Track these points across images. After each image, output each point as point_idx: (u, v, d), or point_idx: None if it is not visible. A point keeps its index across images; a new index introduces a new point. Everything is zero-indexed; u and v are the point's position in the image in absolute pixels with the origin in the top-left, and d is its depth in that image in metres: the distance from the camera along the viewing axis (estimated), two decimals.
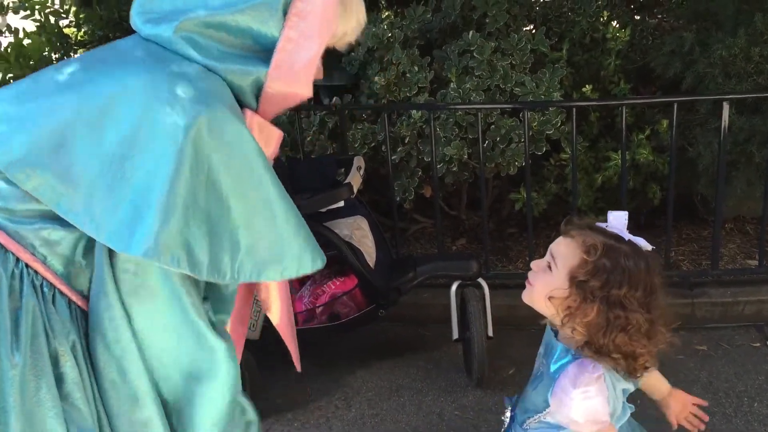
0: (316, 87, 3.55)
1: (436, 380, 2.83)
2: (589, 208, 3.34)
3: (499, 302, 2.90)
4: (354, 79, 3.62)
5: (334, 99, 3.45)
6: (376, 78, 3.36)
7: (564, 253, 1.34)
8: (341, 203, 2.66)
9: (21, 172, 1.12)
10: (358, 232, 2.77)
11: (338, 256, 2.65)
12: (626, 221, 1.36)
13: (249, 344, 2.50)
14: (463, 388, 2.76)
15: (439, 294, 3.08)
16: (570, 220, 1.41)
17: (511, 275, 3.32)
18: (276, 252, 1.21)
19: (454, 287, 2.75)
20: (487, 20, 3.49)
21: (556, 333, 1.43)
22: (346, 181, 2.59)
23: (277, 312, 1.49)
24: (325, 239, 2.56)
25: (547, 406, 1.35)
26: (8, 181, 1.14)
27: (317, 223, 2.56)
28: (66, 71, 1.21)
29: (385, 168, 3.24)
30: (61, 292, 1.18)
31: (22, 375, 1.13)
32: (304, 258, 1.24)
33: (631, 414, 1.45)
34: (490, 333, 2.71)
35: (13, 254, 1.15)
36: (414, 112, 3.23)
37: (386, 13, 5.00)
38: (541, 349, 1.46)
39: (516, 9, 3.70)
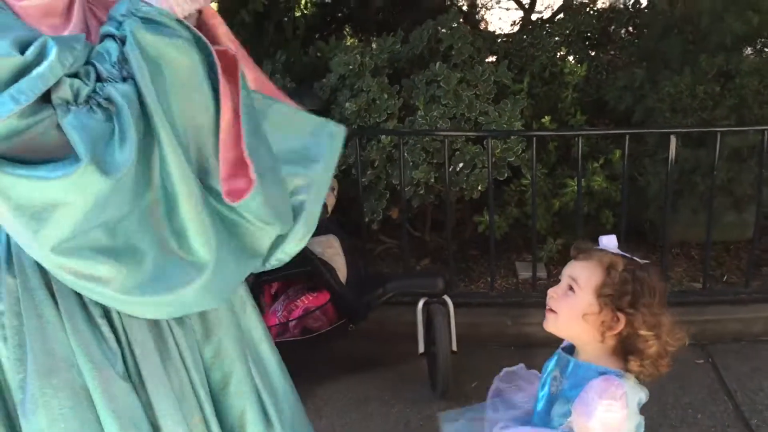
0: None
1: (402, 392, 2.95)
2: (547, 232, 3.54)
3: (462, 320, 3.04)
4: (325, 105, 3.77)
5: None
6: (347, 104, 3.52)
7: (585, 274, 1.42)
8: None
9: None
10: (330, 251, 2.91)
11: (311, 272, 2.78)
12: (617, 243, 1.47)
13: None
14: (427, 400, 2.89)
15: (404, 311, 3.22)
16: (578, 246, 1.49)
17: (474, 294, 3.48)
18: None
19: (420, 304, 2.89)
20: (452, 52, 3.69)
21: (568, 350, 1.51)
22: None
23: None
24: (301, 256, 2.69)
25: (569, 417, 1.40)
26: None
27: None
28: None
29: (354, 190, 3.39)
30: None
31: None
32: None
33: None
34: (454, 347, 2.86)
35: None
36: (383, 137, 3.39)
37: (350, 40, 5.19)
38: (555, 372, 1.51)
39: (480, 42, 3.92)
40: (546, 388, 1.51)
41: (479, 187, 3.33)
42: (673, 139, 3.09)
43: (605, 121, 3.85)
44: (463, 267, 3.85)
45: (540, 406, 1.52)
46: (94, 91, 1.15)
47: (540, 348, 3.21)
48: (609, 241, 1.47)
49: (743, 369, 3.01)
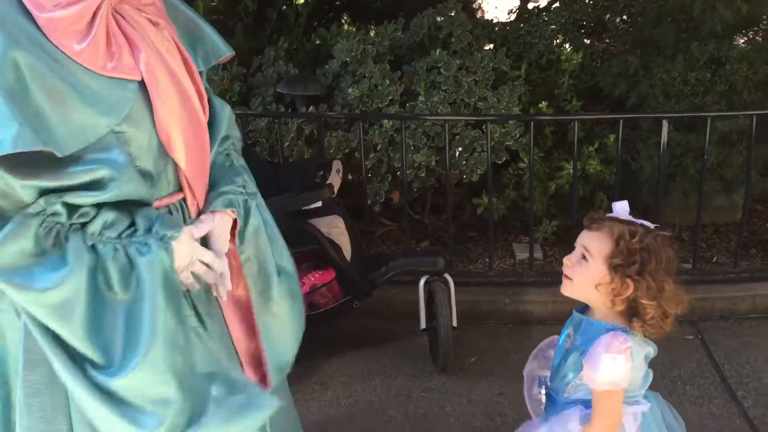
0: (292, 96, 3.81)
1: (404, 367, 3.07)
2: (543, 214, 3.65)
3: (461, 298, 3.13)
4: (327, 91, 3.87)
5: (311, 108, 3.69)
6: (350, 90, 3.62)
7: (596, 244, 1.53)
8: (320, 203, 2.92)
9: None
10: (336, 230, 3.02)
11: (318, 251, 2.90)
12: (628, 209, 1.57)
13: None
14: (429, 374, 3.01)
15: (405, 291, 3.34)
16: (591, 216, 1.59)
17: (473, 273, 3.60)
18: None
19: (422, 281, 3.01)
20: (452, 39, 3.80)
21: (581, 311, 1.63)
22: (328, 182, 2.84)
23: (183, 158, 1.43)
24: (309, 234, 2.81)
25: (581, 370, 1.53)
26: None
27: (302, 220, 2.81)
28: None
29: (357, 173, 3.50)
30: None
31: None
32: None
33: None
34: (455, 323, 2.98)
35: None
36: (386, 121, 3.49)
37: (349, 28, 5.27)
38: (569, 330, 1.64)
39: (478, 30, 4.02)
40: (561, 344, 1.66)
41: (478, 171, 3.44)
42: (665, 124, 3.20)
43: (600, 106, 3.96)
44: (461, 248, 3.96)
45: (556, 361, 1.66)
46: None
47: (536, 325, 3.39)
48: (621, 208, 1.57)
49: (731, 344, 3.14)
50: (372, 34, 4.06)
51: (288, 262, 1.70)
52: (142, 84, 1.34)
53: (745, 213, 3.40)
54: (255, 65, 4.16)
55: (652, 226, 1.56)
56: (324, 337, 3.28)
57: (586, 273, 1.53)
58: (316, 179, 3.08)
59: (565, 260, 1.59)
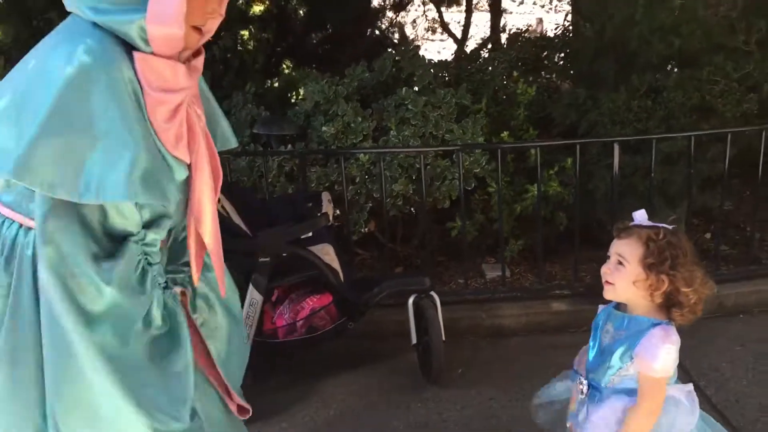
0: (268, 136, 4.02)
1: (398, 381, 3.27)
2: (509, 235, 3.96)
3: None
4: (300, 130, 4.11)
5: (289, 146, 3.91)
6: (324, 127, 3.87)
7: (629, 250, 1.73)
8: (311, 233, 3.13)
9: None
10: (327, 257, 3.22)
11: (316, 276, 3.10)
12: (646, 216, 1.80)
13: None
14: (422, 386, 3.21)
15: (390, 312, 3.57)
16: (618, 227, 1.81)
17: (449, 293, 3.85)
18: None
19: (411, 300, 3.24)
20: (414, 78, 4.11)
21: (616, 306, 1.83)
22: (324, 211, 3.06)
23: (209, 231, 1.71)
24: (308, 261, 3.02)
25: (629, 361, 1.73)
26: None
27: (302, 248, 3.01)
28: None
29: (338, 205, 3.72)
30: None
31: None
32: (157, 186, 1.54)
33: None
34: (443, 337, 3.21)
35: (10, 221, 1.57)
36: (362, 155, 3.75)
37: (290, 73, 5.53)
38: (607, 326, 1.83)
39: (436, 69, 4.36)
40: (597, 342, 1.85)
41: (451, 196, 3.72)
42: (616, 147, 3.57)
43: (552, 134, 4.32)
44: (432, 272, 4.21)
45: (591, 356, 1.85)
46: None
47: (511, 336, 3.67)
48: (641, 216, 1.81)
49: (690, 342, 3.46)
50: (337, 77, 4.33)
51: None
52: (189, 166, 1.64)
53: (686, 225, 3.78)
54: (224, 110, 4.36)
55: (670, 227, 1.79)
56: (319, 359, 3.46)
57: (625, 276, 1.73)
58: (305, 210, 3.30)
59: (604, 269, 1.78)
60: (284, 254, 2.99)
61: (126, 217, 1.54)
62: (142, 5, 1.48)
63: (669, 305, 1.74)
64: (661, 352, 1.69)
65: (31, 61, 1.51)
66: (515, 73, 4.21)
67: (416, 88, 4.07)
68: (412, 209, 3.92)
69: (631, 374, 1.75)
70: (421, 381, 3.26)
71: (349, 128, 3.85)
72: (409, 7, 8.12)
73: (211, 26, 1.62)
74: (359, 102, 4.02)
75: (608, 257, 1.80)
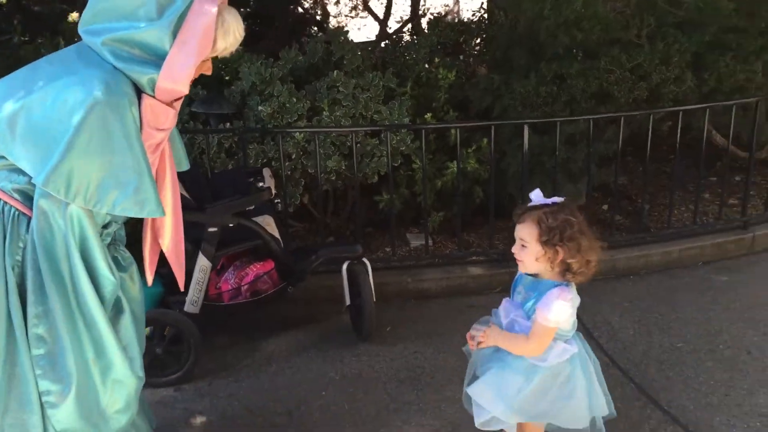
0: (207, 114, 4.26)
1: (332, 340, 3.62)
2: (431, 207, 4.35)
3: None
4: (236, 109, 4.36)
5: (228, 124, 4.16)
6: (261, 107, 4.14)
7: (527, 232, 2.04)
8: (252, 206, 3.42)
9: None
10: (269, 228, 3.52)
11: (259, 245, 3.40)
12: (541, 193, 2.13)
13: (193, 320, 3.19)
14: (354, 343, 3.58)
15: (322, 279, 3.92)
16: (516, 213, 2.11)
17: (378, 260, 4.21)
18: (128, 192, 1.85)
19: (345, 266, 3.58)
20: (344, 62, 4.42)
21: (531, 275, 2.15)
22: (266, 186, 3.36)
23: (167, 242, 2.13)
24: (254, 231, 3.31)
25: (533, 313, 2.08)
26: None
27: (247, 219, 3.30)
28: (37, 65, 1.93)
29: (275, 180, 4.01)
30: (22, 213, 1.89)
31: None
32: (148, 202, 1.88)
33: None
34: (374, 299, 3.58)
35: None
36: (297, 134, 4.04)
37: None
38: (519, 288, 2.18)
39: (363, 53, 4.68)
40: (512, 299, 2.22)
41: (379, 172, 4.07)
42: (526, 129, 3.99)
43: (470, 116, 4.73)
44: (361, 242, 4.57)
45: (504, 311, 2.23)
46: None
47: (434, 298, 4.09)
48: (536, 195, 2.15)
49: (586, 299, 3.90)
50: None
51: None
52: None
53: (588, 197, 4.27)
54: None
55: (559, 200, 2.13)
56: (260, 322, 3.77)
57: (529, 254, 2.08)
58: (248, 185, 3.58)
59: (513, 250, 2.13)
60: (230, 225, 3.27)
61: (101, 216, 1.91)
62: (158, 63, 1.81)
63: (565, 271, 2.10)
64: (555, 306, 2.05)
65: (48, 82, 1.80)
66: (437, 59, 4.57)
67: (344, 71, 4.38)
68: (343, 184, 4.25)
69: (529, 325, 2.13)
70: (353, 339, 3.62)
71: (284, 108, 4.13)
72: None
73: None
74: (293, 83, 4.30)
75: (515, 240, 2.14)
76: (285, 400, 3.10)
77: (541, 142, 4.21)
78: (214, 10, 1.84)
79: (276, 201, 3.62)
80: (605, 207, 4.90)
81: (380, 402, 3.07)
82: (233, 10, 1.96)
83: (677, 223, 4.68)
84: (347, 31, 4.63)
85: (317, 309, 3.95)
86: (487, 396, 2.20)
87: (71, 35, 5.52)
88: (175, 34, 1.81)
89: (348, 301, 3.59)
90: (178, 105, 1.97)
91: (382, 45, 5.77)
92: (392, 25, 8.91)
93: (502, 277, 4.14)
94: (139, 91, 1.86)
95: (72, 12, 8.00)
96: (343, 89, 4.16)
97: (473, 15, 5.93)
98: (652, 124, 4.11)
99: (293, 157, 4.06)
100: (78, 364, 1.87)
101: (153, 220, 2.06)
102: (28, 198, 1.86)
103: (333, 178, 4.08)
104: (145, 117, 1.84)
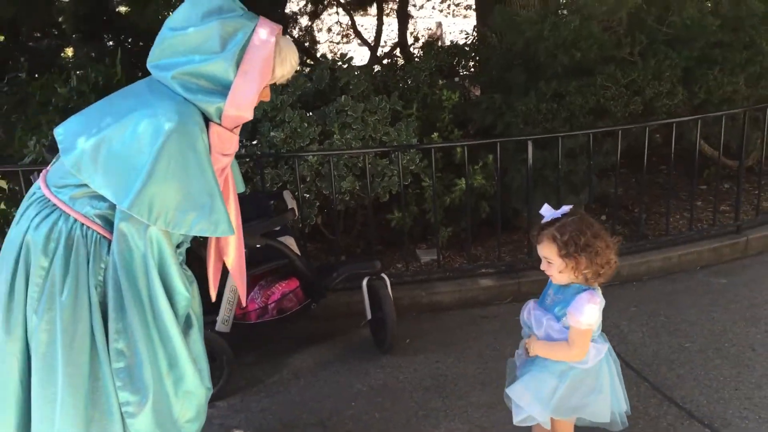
0: None
1: (355, 353, 3.76)
2: (441, 224, 4.51)
3: None
4: (249, 135, 4.51)
5: (245, 149, 4.31)
6: (273, 133, 4.29)
7: (547, 251, 2.21)
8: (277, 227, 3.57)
9: (76, 169, 1.98)
10: (292, 247, 3.67)
11: (288, 264, 3.54)
12: (551, 208, 2.30)
13: (224, 338, 3.32)
14: (376, 356, 3.71)
15: (340, 296, 4.07)
16: (533, 234, 2.30)
17: (392, 275, 4.35)
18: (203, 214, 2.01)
19: (365, 281, 3.73)
20: (351, 86, 4.60)
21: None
22: (291, 207, 3.51)
23: (232, 259, 2.31)
24: (280, 251, 3.46)
25: (563, 316, 2.24)
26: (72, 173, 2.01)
27: (273, 239, 3.45)
28: (112, 99, 2.11)
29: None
30: (103, 236, 2.03)
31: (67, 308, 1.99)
32: (221, 223, 2.05)
33: None
34: (394, 312, 3.72)
35: (72, 218, 2.03)
36: (311, 157, 4.20)
37: None
38: (550, 291, 2.34)
39: (366, 77, 4.86)
40: (542, 302, 2.38)
41: (391, 191, 4.24)
42: (530, 144, 4.18)
43: (471, 134, 4.91)
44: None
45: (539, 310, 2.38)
46: None
47: (447, 311, 4.24)
48: (546, 210, 2.32)
49: None
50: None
51: None
52: None
53: (589, 208, 4.45)
54: None
55: (568, 208, 2.30)
56: (283, 339, 3.90)
57: (555, 269, 2.26)
58: (269, 207, 3.73)
59: (541, 267, 2.29)
60: (258, 245, 3.42)
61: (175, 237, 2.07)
62: (224, 93, 1.98)
63: (589, 274, 2.24)
64: (586, 309, 2.21)
65: (125, 114, 1.96)
66: (441, 81, 4.77)
67: (351, 96, 4.55)
68: (355, 203, 4.41)
69: (567, 326, 2.28)
70: (375, 352, 3.76)
71: (296, 133, 4.29)
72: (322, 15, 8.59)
73: None
74: (302, 109, 4.47)
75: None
76: (316, 412, 3.23)
77: (543, 156, 4.40)
78: (273, 40, 2.01)
79: (299, 218, 3.76)
80: (604, 217, 5.09)
81: (409, 410, 3.21)
82: (288, 39, 2.14)
83: (674, 230, 4.88)
84: (351, 58, 4.81)
85: (337, 324, 4.08)
86: (525, 397, 2.37)
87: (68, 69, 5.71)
88: (238, 65, 1.97)
89: (369, 316, 3.73)
90: (237, 131, 2.12)
91: (375, 69, 5.95)
92: (379, 51, 9.18)
93: (511, 288, 4.31)
94: (206, 120, 2.01)
95: (67, 47, 8.17)
96: (351, 113, 4.33)
97: (466, 38, 6.15)
98: (648, 136, 4.32)
99: (308, 179, 4.21)
100: (154, 376, 2.00)
101: (218, 239, 2.21)
102: (108, 222, 2.00)
103: (347, 198, 4.23)
104: (213, 143, 2.00)
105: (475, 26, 6.31)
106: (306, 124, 4.30)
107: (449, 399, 3.27)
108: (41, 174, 2.14)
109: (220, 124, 2.03)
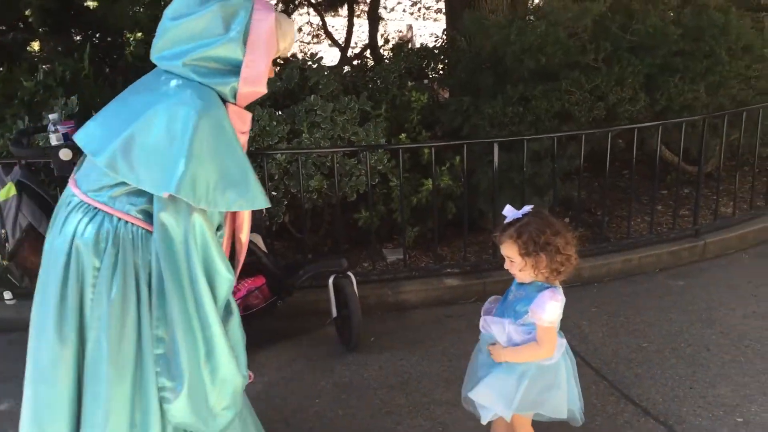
0: None
1: (320, 350, 3.79)
2: (408, 224, 4.56)
3: None
4: None
5: None
6: None
7: (509, 250, 2.27)
8: None
9: (112, 169, 2.01)
10: (260, 244, 3.69)
11: (255, 260, 3.55)
12: (513, 209, 2.35)
13: None
14: (342, 353, 3.75)
15: (306, 294, 4.09)
16: (495, 236, 2.35)
17: (358, 274, 4.38)
18: (241, 191, 2.05)
19: (331, 279, 3.76)
20: (320, 86, 4.63)
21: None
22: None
23: (246, 233, 2.35)
24: (249, 249, 3.46)
25: (525, 314, 2.31)
26: (106, 174, 2.04)
27: None
28: (124, 98, 2.13)
29: None
30: (147, 231, 2.07)
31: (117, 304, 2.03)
32: (258, 198, 2.10)
33: None
34: (360, 309, 3.75)
35: (116, 217, 2.07)
36: (279, 155, 4.22)
37: None
38: (513, 289, 2.40)
39: (336, 77, 4.89)
40: (506, 298, 2.45)
41: (358, 190, 4.27)
42: (495, 147, 4.24)
43: (438, 135, 4.97)
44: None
45: (501, 306, 2.46)
46: None
47: (413, 309, 4.29)
48: (508, 210, 2.37)
49: None
50: None
51: None
52: None
53: (553, 210, 4.53)
54: None
55: (529, 209, 2.36)
56: (249, 337, 3.89)
57: (517, 267, 2.33)
58: None
59: (505, 266, 2.36)
60: None
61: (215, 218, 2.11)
62: (236, 72, 2.03)
63: (551, 271, 2.30)
64: (548, 307, 2.28)
65: (146, 109, 1.99)
66: (410, 83, 4.82)
67: (320, 96, 4.58)
68: (323, 202, 4.43)
69: (527, 323, 2.34)
70: (340, 349, 3.79)
71: (265, 131, 4.30)
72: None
73: None
74: (271, 107, 4.48)
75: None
76: (281, 409, 3.25)
77: (508, 158, 4.47)
78: (273, 15, 2.08)
79: (266, 217, 3.78)
80: (567, 220, 5.18)
81: (373, 407, 3.24)
82: (285, 16, 2.21)
83: (635, 233, 4.99)
84: (321, 58, 4.84)
85: (303, 322, 4.10)
86: (490, 397, 2.43)
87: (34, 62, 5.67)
88: (245, 43, 2.03)
89: (334, 313, 3.76)
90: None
91: (345, 70, 6.00)
92: (349, 52, 9.22)
93: (477, 287, 4.37)
94: (223, 101, 2.06)
95: (33, 41, 8.06)
96: (321, 112, 4.36)
97: (436, 41, 6.21)
98: (610, 141, 4.41)
99: (276, 178, 4.23)
100: (191, 364, 2.03)
101: (235, 217, 2.26)
102: (149, 216, 2.04)
103: (315, 197, 4.26)
104: (233, 122, 2.06)
105: (444, 29, 6.38)
106: (275, 123, 4.32)
107: (413, 396, 3.32)
108: (69, 181, 2.18)
109: (235, 104, 2.09)
